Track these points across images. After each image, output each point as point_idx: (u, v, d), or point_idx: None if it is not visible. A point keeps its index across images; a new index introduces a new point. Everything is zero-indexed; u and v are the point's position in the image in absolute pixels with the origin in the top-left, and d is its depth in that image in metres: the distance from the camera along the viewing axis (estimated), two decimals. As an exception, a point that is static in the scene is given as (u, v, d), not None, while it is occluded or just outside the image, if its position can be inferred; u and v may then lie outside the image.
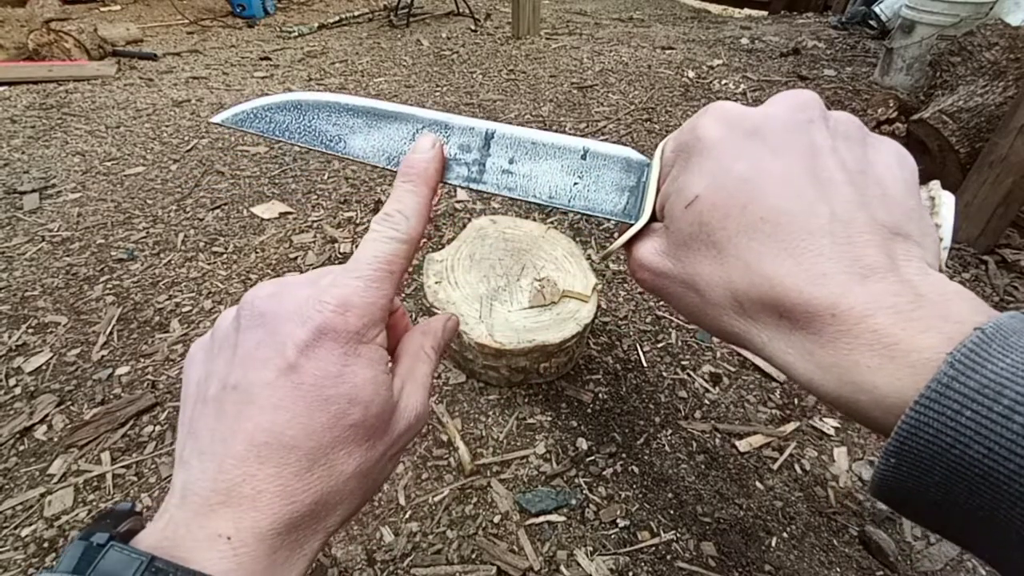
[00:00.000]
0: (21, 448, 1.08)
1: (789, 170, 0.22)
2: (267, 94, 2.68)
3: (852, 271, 0.20)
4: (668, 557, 0.91)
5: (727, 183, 0.23)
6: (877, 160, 0.24)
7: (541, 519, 0.96)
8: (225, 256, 1.63)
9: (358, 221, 1.79)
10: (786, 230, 0.21)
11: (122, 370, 1.25)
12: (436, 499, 0.99)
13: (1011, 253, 1.56)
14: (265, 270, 1.57)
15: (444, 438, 1.10)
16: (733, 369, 1.26)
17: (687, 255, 0.24)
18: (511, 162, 0.29)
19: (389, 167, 0.30)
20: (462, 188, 0.26)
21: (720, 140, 0.24)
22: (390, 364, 0.28)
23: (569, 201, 0.28)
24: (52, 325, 1.37)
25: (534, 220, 1.65)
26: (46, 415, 1.14)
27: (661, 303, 1.44)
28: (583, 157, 0.29)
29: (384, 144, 0.30)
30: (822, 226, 0.21)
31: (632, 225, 0.27)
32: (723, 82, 2.82)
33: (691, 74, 2.95)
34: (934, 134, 1.71)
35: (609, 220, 0.30)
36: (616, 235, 0.31)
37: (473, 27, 4.15)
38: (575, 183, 0.28)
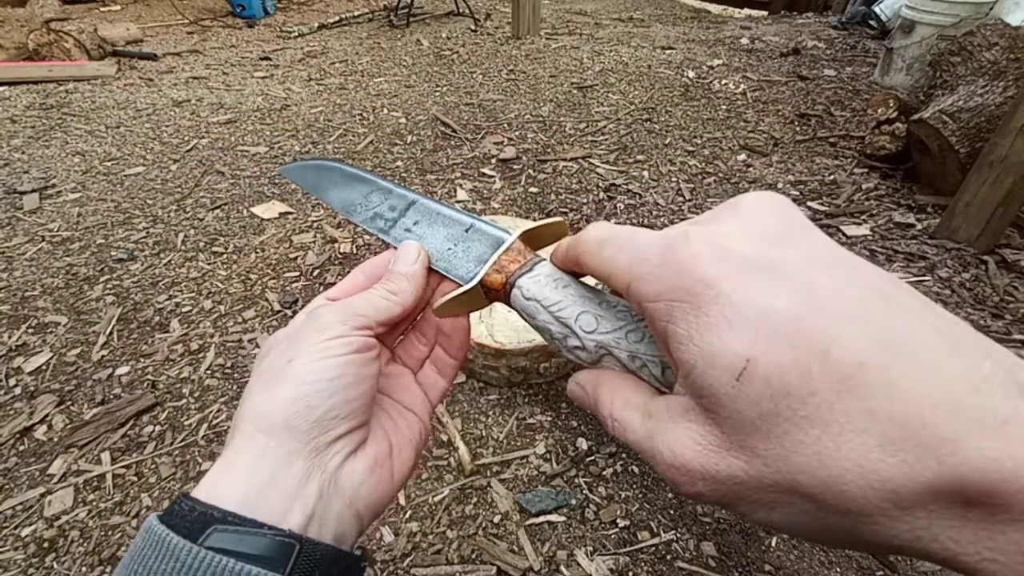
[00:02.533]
0: (21, 448, 1.08)
1: (842, 288, 0.17)
2: (267, 93, 2.66)
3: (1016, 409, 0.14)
4: (668, 557, 0.91)
5: (780, 332, 0.17)
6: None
7: (541, 519, 0.96)
8: (225, 256, 1.63)
9: (358, 221, 1.79)
10: (902, 373, 0.15)
11: (122, 370, 1.25)
12: (436, 499, 0.99)
13: (1011, 253, 1.56)
14: (265, 270, 1.57)
15: (444, 438, 1.10)
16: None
17: (768, 447, 0.17)
18: (415, 224, 0.36)
19: (339, 210, 0.38)
20: (372, 234, 0.36)
21: (731, 276, 0.18)
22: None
23: (437, 261, 0.33)
24: (52, 325, 1.37)
25: (534, 220, 1.65)
26: (46, 415, 1.14)
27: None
28: (466, 230, 0.34)
29: (347, 196, 0.39)
30: (940, 353, 0.15)
31: (465, 287, 0.31)
32: (723, 82, 2.82)
33: (691, 74, 2.95)
34: (934, 134, 1.71)
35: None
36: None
37: (473, 27, 4.15)
38: (449, 248, 0.34)
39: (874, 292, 0.17)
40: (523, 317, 0.31)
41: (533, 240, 0.33)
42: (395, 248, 0.34)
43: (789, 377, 0.16)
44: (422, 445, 0.33)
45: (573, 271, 0.29)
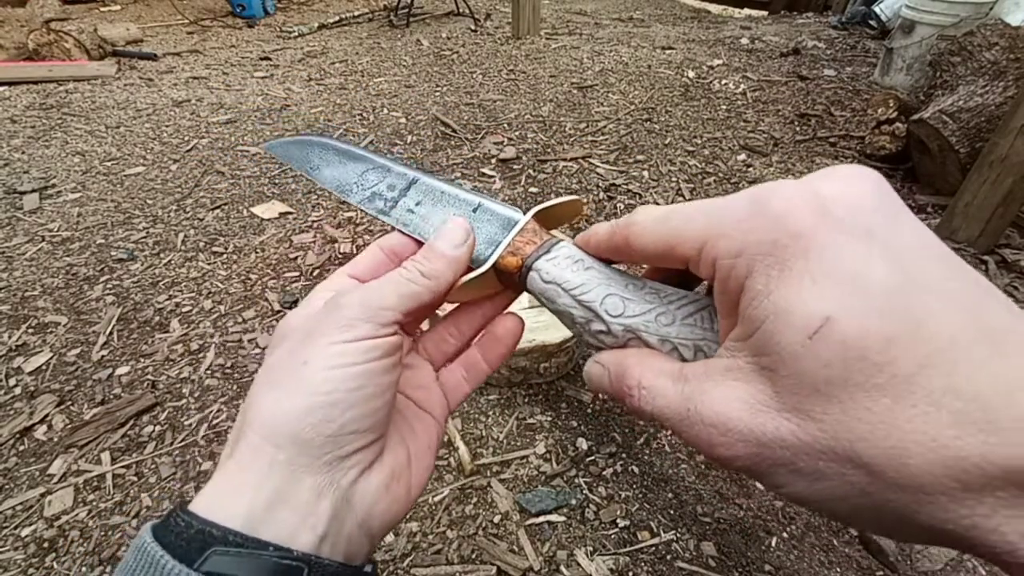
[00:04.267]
0: (21, 448, 1.08)
1: (942, 269, 0.17)
2: (267, 93, 2.66)
3: None
4: (668, 557, 0.91)
5: (871, 297, 0.16)
6: None
7: (541, 519, 0.96)
8: (225, 256, 1.63)
9: (358, 221, 1.79)
10: (995, 355, 0.15)
11: (122, 370, 1.25)
12: (436, 499, 0.99)
13: (1011, 253, 1.56)
14: (265, 270, 1.57)
15: (444, 438, 1.10)
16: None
17: (828, 410, 0.16)
18: (417, 204, 0.34)
19: (334, 191, 0.36)
20: (371, 215, 0.33)
21: (826, 232, 0.17)
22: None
23: None
24: (52, 325, 1.37)
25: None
26: (46, 415, 1.14)
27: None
28: (474, 210, 0.32)
29: (340, 176, 0.37)
30: None
31: (479, 270, 0.29)
32: (723, 82, 2.82)
33: (691, 74, 2.95)
34: (934, 134, 1.71)
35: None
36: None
37: (473, 27, 4.15)
38: None
39: (975, 281, 0.17)
40: (541, 302, 0.29)
41: (547, 220, 0.32)
42: (398, 230, 0.32)
43: (869, 342, 0.15)
44: (438, 449, 0.30)
45: (609, 258, 0.27)
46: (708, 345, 0.23)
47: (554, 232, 0.31)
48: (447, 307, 0.33)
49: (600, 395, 1.19)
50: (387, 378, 0.25)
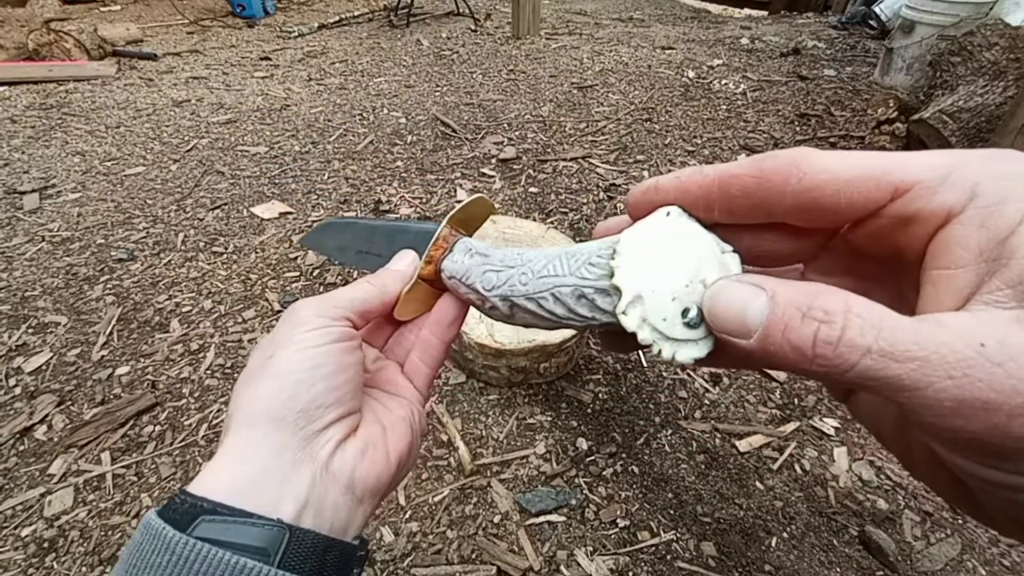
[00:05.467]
0: (21, 448, 1.08)
1: None
2: (267, 93, 2.64)
3: None
4: (668, 557, 0.91)
5: None
6: None
7: (541, 519, 0.96)
8: (225, 256, 1.63)
9: (358, 221, 1.79)
10: None
11: (122, 370, 1.25)
12: (436, 499, 0.99)
13: (1011, 253, 1.56)
14: (265, 270, 1.57)
15: (444, 438, 1.10)
16: (733, 369, 1.26)
17: None
18: (372, 246, 0.39)
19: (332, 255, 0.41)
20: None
21: None
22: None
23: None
24: (52, 325, 1.37)
25: (534, 220, 1.66)
26: (46, 415, 1.14)
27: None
28: (412, 236, 0.35)
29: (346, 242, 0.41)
30: None
31: (406, 287, 0.33)
32: (723, 82, 2.82)
33: (691, 74, 2.95)
34: (934, 134, 1.71)
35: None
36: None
37: (473, 27, 4.15)
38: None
39: None
40: (457, 296, 0.32)
41: (467, 224, 0.34)
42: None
43: None
44: (418, 423, 0.33)
45: (721, 213, 0.22)
46: (585, 289, 0.23)
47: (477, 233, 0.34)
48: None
49: (599, 395, 1.19)
50: (345, 357, 0.28)
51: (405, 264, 0.33)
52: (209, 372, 1.25)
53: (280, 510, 0.24)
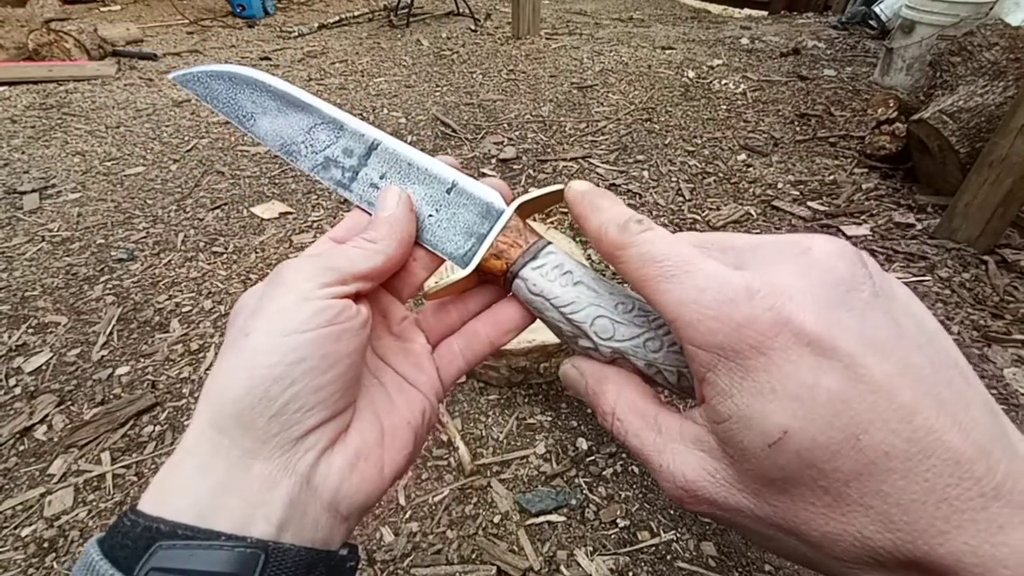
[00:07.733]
0: (21, 448, 1.08)
1: (889, 374, 0.17)
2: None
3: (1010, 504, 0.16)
4: (668, 557, 0.91)
5: (821, 411, 0.17)
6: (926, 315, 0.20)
7: (541, 519, 0.96)
8: (225, 256, 1.63)
9: (358, 221, 1.79)
10: (921, 469, 0.17)
11: (122, 370, 1.25)
12: (436, 499, 0.99)
13: (1011, 253, 1.56)
14: (265, 270, 1.57)
15: (444, 438, 1.10)
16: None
17: (779, 499, 0.19)
18: (381, 177, 0.29)
19: (279, 153, 0.31)
20: (329, 188, 0.30)
21: (785, 348, 0.18)
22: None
23: (419, 232, 0.28)
24: (52, 325, 1.37)
25: (533, 220, 1.65)
26: (46, 415, 1.14)
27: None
28: (448, 191, 0.29)
29: (283, 131, 0.31)
30: (965, 452, 0.17)
31: (459, 274, 0.27)
32: (723, 82, 2.82)
33: (691, 74, 2.95)
34: (934, 134, 1.71)
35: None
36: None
37: (473, 27, 4.15)
38: (430, 215, 0.29)
39: (934, 373, 0.18)
40: (528, 307, 0.28)
41: (529, 209, 0.29)
42: (361, 209, 0.29)
43: (819, 454, 0.18)
44: (425, 430, 0.28)
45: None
46: (691, 373, 0.23)
47: (532, 224, 0.29)
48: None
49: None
50: (338, 347, 0.22)
51: (395, 209, 0.27)
52: (209, 372, 1.25)
53: (251, 530, 0.20)
